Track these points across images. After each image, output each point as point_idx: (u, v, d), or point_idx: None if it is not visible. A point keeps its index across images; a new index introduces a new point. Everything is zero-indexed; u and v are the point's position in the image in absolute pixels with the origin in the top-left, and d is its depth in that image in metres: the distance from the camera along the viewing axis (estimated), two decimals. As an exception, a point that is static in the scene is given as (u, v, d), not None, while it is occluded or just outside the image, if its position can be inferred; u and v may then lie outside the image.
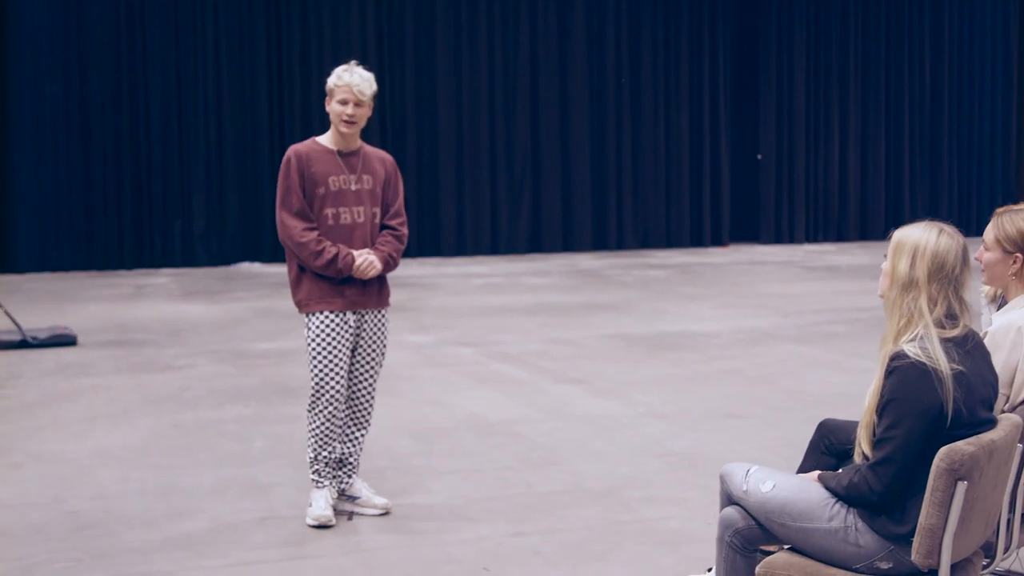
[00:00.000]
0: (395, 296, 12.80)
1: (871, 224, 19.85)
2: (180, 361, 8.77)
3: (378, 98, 18.07)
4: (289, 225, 4.79)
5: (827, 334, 9.86)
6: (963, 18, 20.91)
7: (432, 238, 17.43)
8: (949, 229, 3.06)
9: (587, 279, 14.42)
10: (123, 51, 15.74)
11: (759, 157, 19.78)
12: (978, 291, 3.79)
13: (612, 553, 4.56)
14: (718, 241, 19.19)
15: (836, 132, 20.05)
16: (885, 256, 3.11)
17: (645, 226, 18.85)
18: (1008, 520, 3.19)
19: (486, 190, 17.78)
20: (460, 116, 17.61)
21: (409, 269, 15.62)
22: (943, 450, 2.76)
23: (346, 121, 4.83)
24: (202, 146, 16.13)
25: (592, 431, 6.54)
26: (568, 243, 18.22)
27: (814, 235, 19.81)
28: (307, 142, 4.94)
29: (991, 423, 2.94)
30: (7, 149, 15.33)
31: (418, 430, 6.55)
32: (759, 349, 9.23)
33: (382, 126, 16.98)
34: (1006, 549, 3.20)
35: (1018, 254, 3.45)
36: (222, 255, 16.16)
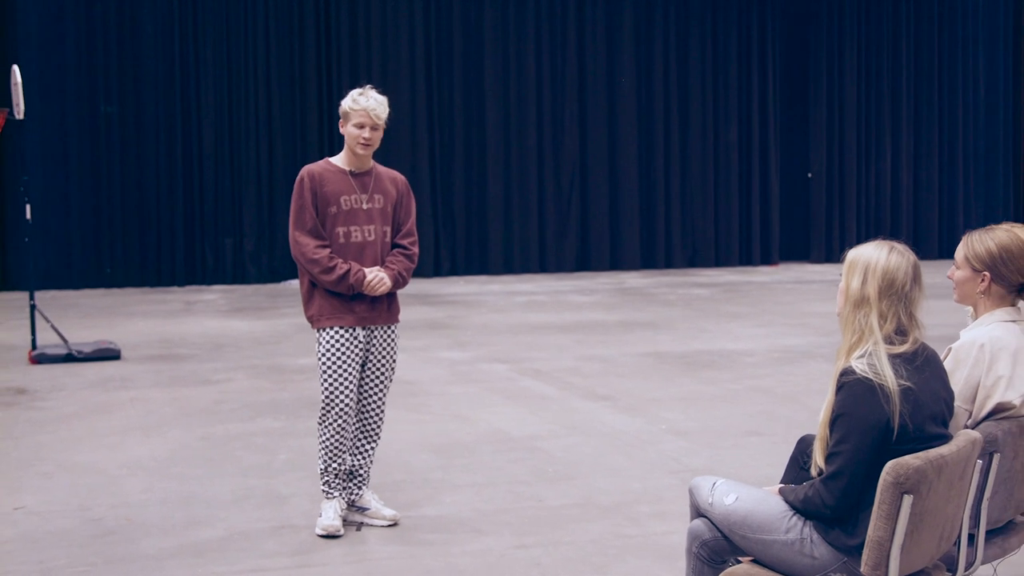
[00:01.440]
0: (437, 313, 13.01)
1: (924, 243, 19.64)
2: (219, 375, 8.98)
3: (427, 117, 18.26)
4: (302, 243, 4.94)
5: (863, 353, 9.83)
6: (1018, 31, 20.70)
7: (480, 256, 17.60)
8: (900, 247, 3.14)
9: (631, 297, 14.48)
10: (176, 71, 16.12)
11: (809, 176, 19.70)
12: (964, 311, 3.83)
13: (611, 566, 4.64)
14: (767, 260, 19.14)
15: (888, 149, 19.92)
16: (840, 275, 3.19)
17: (694, 244, 18.86)
18: (971, 535, 3.23)
19: (534, 208, 17.91)
20: (508, 134, 17.78)
21: (454, 286, 15.81)
22: (889, 464, 2.82)
23: (363, 144, 4.98)
24: (253, 165, 16.46)
25: (611, 447, 6.62)
26: (616, 262, 18.29)
27: (866, 254, 19.63)
28: (320, 162, 5.10)
29: (943, 438, 2.99)
30: (63, 167, 15.74)
31: (439, 444, 6.67)
32: (792, 368, 9.24)
33: (431, 145, 17.21)
34: (969, 564, 3.24)
35: (986, 272, 3.50)
36: (272, 272, 16.46)
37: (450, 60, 17.46)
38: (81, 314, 12.77)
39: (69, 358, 9.46)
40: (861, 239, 17.88)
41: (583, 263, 18.16)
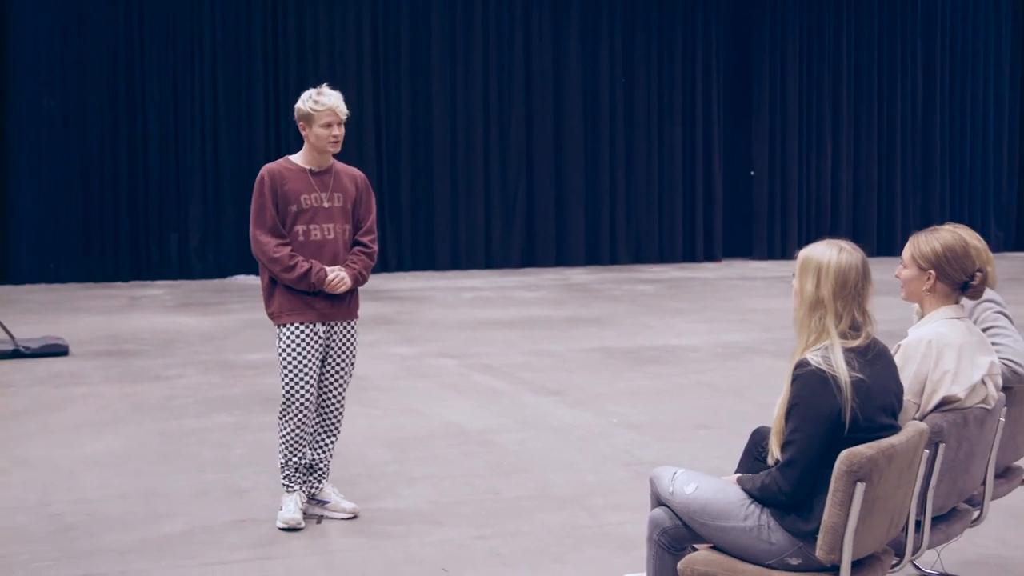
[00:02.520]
0: (385, 309, 13.04)
1: (863, 239, 19.95)
2: (169, 371, 8.98)
3: (373, 113, 18.27)
4: (262, 241, 5.01)
5: (805, 348, 10.03)
6: (955, 34, 21.17)
7: (426, 252, 17.68)
8: (848, 246, 3.27)
9: (577, 293, 14.63)
10: (120, 65, 16.01)
11: (752, 173, 20.01)
12: (911, 308, 3.99)
13: (569, 555, 4.76)
14: (711, 256, 19.41)
15: (828, 147, 20.28)
16: (793, 275, 3.31)
17: (638, 241, 19.07)
18: (918, 522, 3.39)
19: (480, 205, 18.02)
20: (455, 131, 17.86)
21: (402, 282, 15.87)
22: (844, 453, 2.96)
23: (333, 142, 5.05)
24: (199, 160, 16.39)
25: (564, 440, 6.74)
26: (561, 258, 18.45)
27: (806, 251, 19.95)
28: (280, 161, 5.16)
29: (892, 428, 3.14)
30: (5, 162, 15.57)
31: (394, 439, 6.75)
32: (736, 363, 9.43)
33: (378, 142, 17.24)
34: (916, 549, 3.40)
35: (931, 271, 3.66)
36: (218, 268, 16.40)
37: (397, 57, 17.50)
38: (24, 310, 12.65)
39: (16, 354, 9.39)
40: (802, 236, 18.27)
41: (529, 259, 18.30)
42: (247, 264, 16.36)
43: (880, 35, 20.60)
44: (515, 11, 18.13)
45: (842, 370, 3.08)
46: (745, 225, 20.09)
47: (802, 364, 3.14)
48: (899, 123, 20.77)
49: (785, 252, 19.79)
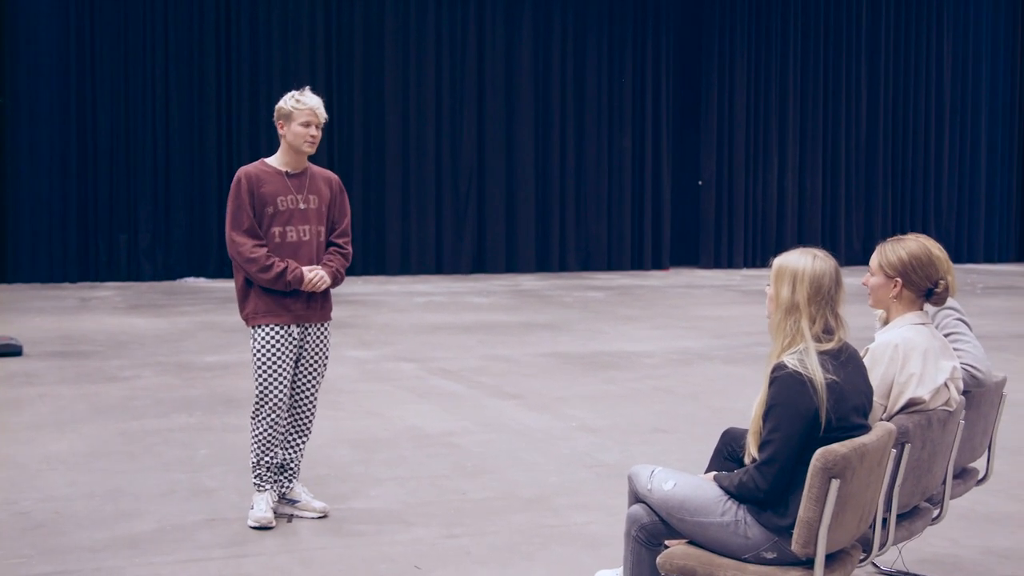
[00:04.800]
0: (339, 313, 13.06)
1: (807, 250, 20.31)
2: (126, 372, 8.97)
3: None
4: (239, 242, 5.06)
5: (756, 355, 10.24)
6: (899, 49, 21.63)
7: (377, 257, 17.73)
8: (821, 253, 3.42)
9: (528, 299, 14.76)
10: (72, 66, 15.90)
11: (700, 183, 20.29)
12: (874, 315, 4.15)
13: (538, 553, 4.86)
14: (658, 264, 19.64)
15: (775, 160, 20.64)
16: (768, 284, 3.45)
17: (587, 249, 19.27)
18: (884, 519, 3.54)
19: (431, 210, 18.11)
20: (406, 137, 17.94)
21: (354, 287, 15.89)
22: (819, 451, 3.10)
23: (310, 141, 5.13)
24: (149, 161, 16.31)
25: (525, 443, 6.85)
26: (511, 264, 18.59)
27: (752, 260, 20.34)
28: (256, 163, 5.22)
29: (864, 428, 3.29)
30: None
31: (358, 440, 6.82)
32: (690, 369, 9.59)
33: (330, 146, 17.26)
34: (882, 545, 3.55)
35: (898, 279, 3.82)
36: (167, 270, 16.33)
37: (350, 62, 17.55)
38: (-27, 309, 12.55)
39: (-30, 354, 9.34)
40: (748, 246, 18.51)
41: (479, 265, 18.42)
42: (197, 266, 16.32)
43: (826, 49, 21.02)
44: (468, 19, 18.26)
45: (817, 372, 3.22)
46: (692, 234, 20.38)
47: (779, 367, 3.27)
48: (844, 136, 21.21)
49: (731, 261, 20.10)
